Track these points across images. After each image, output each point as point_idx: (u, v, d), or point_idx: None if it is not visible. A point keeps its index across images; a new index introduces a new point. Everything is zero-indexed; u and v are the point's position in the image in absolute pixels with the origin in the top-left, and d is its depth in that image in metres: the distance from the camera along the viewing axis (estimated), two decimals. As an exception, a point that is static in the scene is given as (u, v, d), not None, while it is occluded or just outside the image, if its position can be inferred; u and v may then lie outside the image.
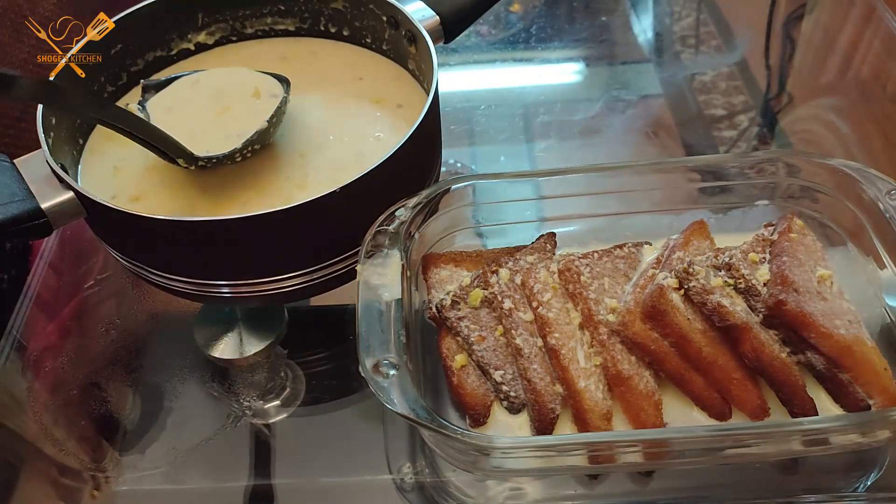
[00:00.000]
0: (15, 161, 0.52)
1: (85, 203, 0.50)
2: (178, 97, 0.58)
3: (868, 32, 0.90)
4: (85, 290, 0.68)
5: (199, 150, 0.54)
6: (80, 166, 0.60)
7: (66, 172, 0.51)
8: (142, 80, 0.59)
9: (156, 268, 0.53)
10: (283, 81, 0.59)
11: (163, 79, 0.59)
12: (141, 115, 0.56)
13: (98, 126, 0.62)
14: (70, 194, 0.50)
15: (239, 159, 0.56)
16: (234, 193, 0.56)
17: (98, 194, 0.50)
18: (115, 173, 0.59)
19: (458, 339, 0.51)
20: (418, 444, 0.54)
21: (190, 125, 0.55)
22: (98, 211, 0.50)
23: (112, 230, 0.54)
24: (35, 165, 0.51)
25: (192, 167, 0.55)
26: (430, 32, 0.60)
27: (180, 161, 0.54)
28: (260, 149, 0.57)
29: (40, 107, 0.53)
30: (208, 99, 0.59)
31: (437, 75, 0.56)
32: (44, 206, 0.50)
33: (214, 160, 0.55)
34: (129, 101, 0.64)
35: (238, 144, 0.55)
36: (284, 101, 0.57)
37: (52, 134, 0.54)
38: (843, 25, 0.94)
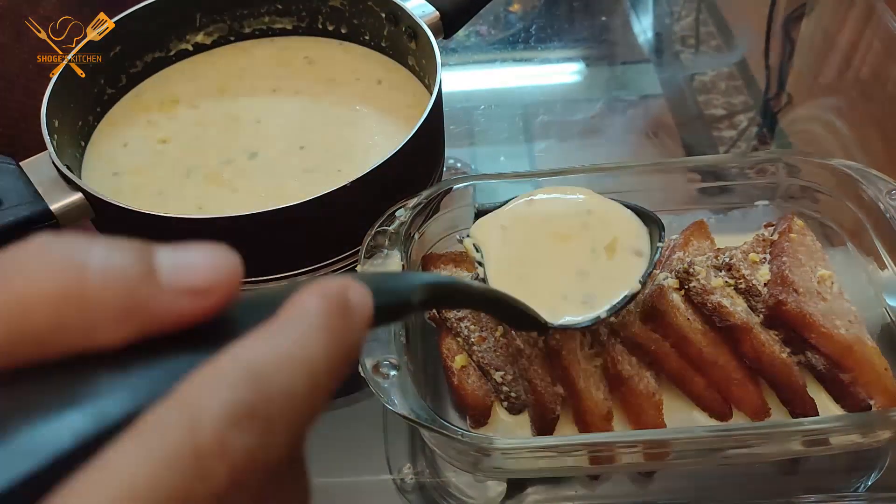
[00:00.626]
0: (21, 163, 0.52)
1: (94, 203, 0.50)
2: (514, 235, 0.47)
3: (868, 32, 0.90)
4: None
5: (548, 314, 0.42)
6: (82, 169, 0.60)
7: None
8: (476, 205, 0.50)
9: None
10: (655, 224, 0.47)
11: (498, 202, 0.50)
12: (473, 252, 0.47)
13: (99, 127, 0.62)
14: (78, 195, 0.50)
15: (595, 327, 0.45)
16: (234, 194, 0.56)
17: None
18: (117, 175, 0.59)
19: (459, 339, 0.51)
20: (418, 444, 0.54)
21: (529, 280, 0.44)
22: (107, 211, 0.50)
23: (120, 230, 0.54)
24: (41, 167, 0.51)
25: (540, 338, 0.45)
26: (431, 28, 0.60)
27: (534, 333, 0.45)
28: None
29: (44, 108, 0.53)
30: (551, 240, 0.47)
31: (441, 71, 0.56)
32: (52, 207, 0.49)
33: (570, 329, 0.44)
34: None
35: (600, 312, 0.44)
36: (655, 258, 0.45)
37: (55, 136, 0.54)
38: (843, 25, 0.93)
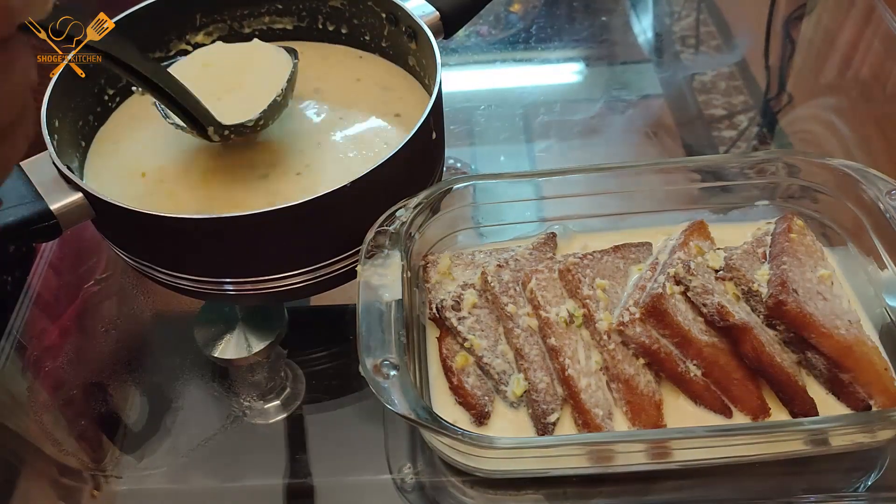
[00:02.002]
0: (21, 163, 0.52)
1: (94, 203, 0.50)
2: (188, 76, 0.56)
3: (868, 32, 0.90)
4: (85, 290, 0.68)
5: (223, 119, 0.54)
6: (84, 171, 0.60)
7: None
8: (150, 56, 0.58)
9: (163, 266, 0.53)
10: (291, 52, 0.59)
11: (168, 62, 0.59)
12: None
13: (101, 130, 0.62)
14: (79, 195, 0.50)
15: (259, 128, 0.56)
16: (233, 195, 0.56)
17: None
18: (119, 179, 0.59)
19: (458, 339, 0.51)
20: (418, 444, 0.54)
21: (208, 100, 0.54)
22: (107, 211, 0.50)
23: (120, 230, 0.54)
24: (41, 167, 0.51)
25: (218, 137, 0.55)
26: (431, 28, 0.60)
27: (209, 130, 0.54)
28: (273, 123, 0.58)
29: (44, 108, 0.53)
30: (217, 75, 0.58)
31: (441, 71, 0.56)
32: (52, 207, 0.49)
33: (240, 128, 0.55)
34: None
35: (258, 112, 0.55)
36: (295, 68, 0.58)
37: (55, 136, 0.54)
38: (843, 25, 0.94)
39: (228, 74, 0.59)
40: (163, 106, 0.54)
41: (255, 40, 0.62)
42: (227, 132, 0.54)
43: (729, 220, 0.58)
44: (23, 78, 0.32)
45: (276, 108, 0.56)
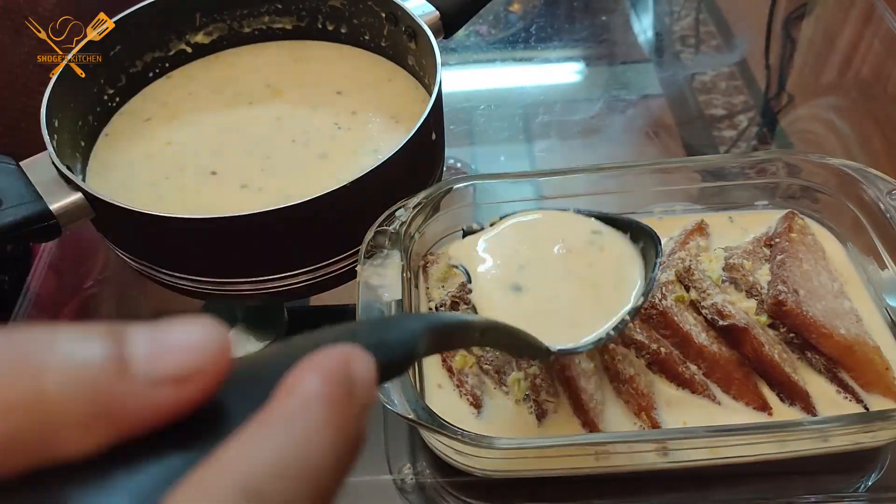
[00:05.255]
0: (21, 163, 0.52)
1: (94, 203, 0.50)
2: (506, 256, 0.46)
3: (868, 32, 0.90)
4: (85, 290, 0.68)
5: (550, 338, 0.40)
6: (87, 171, 0.60)
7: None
8: (463, 227, 0.51)
9: (163, 266, 0.53)
10: (651, 238, 0.46)
11: (488, 224, 0.50)
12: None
13: (102, 134, 0.62)
14: (78, 195, 0.50)
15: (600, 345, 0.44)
16: (234, 195, 0.56)
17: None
18: (120, 179, 0.59)
19: (459, 339, 0.51)
20: (418, 444, 0.54)
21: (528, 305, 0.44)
22: (107, 211, 0.50)
23: (120, 230, 0.54)
24: (41, 167, 0.51)
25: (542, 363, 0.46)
26: (431, 27, 0.60)
27: (533, 363, 0.46)
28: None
29: (44, 108, 0.53)
30: (547, 263, 0.47)
31: (441, 71, 0.56)
32: (52, 207, 0.49)
33: (573, 353, 0.43)
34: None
35: (599, 335, 0.43)
36: (656, 272, 0.44)
37: (55, 136, 0.54)
38: (843, 25, 0.93)
39: (566, 264, 0.46)
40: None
41: (611, 231, 0.48)
42: (552, 357, 0.41)
43: (729, 220, 0.58)
44: None
45: (623, 326, 0.43)
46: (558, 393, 0.48)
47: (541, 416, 0.48)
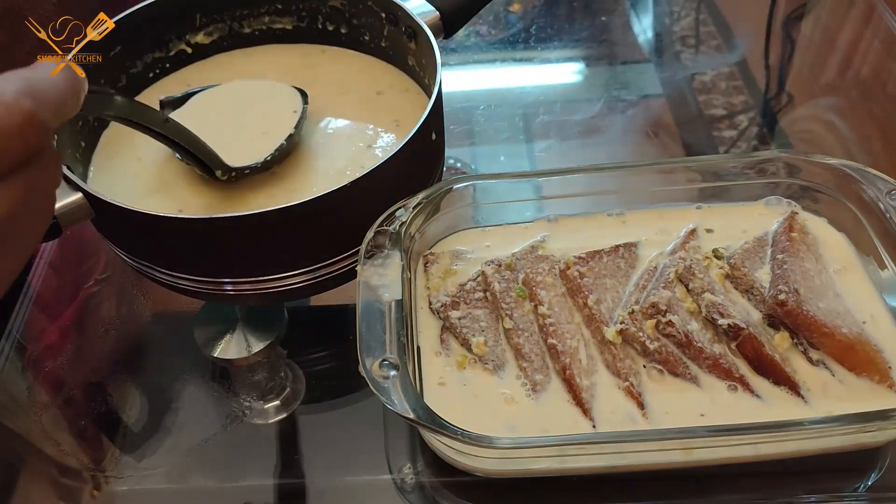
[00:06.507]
0: None
1: (94, 203, 0.50)
2: (198, 113, 0.59)
3: (868, 32, 0.90)
4: (85, 290, 0.68)
5: (231, 162, 0.56)
6: (89, 171, 0.60)
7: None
8: (160, 98, 0.60)
9: (163, 266, 0.53)
10: (302, 94, 0.61)
11: (180, 94, 0.60)
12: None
13: (103, 134, 0.62)
14: (78, 195, 0.50)
15: (264, 170, 0.57)
16: (234, 196, 0.56)
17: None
18: (120, 179, 0.59)
19: (458, 338, 0.51)
20: (418, 444, 0.54)
21: (215, 139, 0.55)
22: (107, 211, 0.50)
23: (120, 230, 0.54)
24: None
25: (226, 178, 0.56)
26: (431, 27, 0.60)
27: (218, 173, 0.55)
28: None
29: None
30: (229, 113, 0.60)
31: (441, 72, 0.56)
32: None
33: (247, 170, 0.56)
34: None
35: (265, 156, 0.57)
36: (304, 114, 0.59)
37: (55, 136, 0.54)
38: (843, 25, 0.94)
39: (241, 111, 0.60)
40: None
41: (269, 80, 0.63)
42: (234, 174, 0.56)
43: (729, 220, 0.58)
44: (52, 190, 0.34)
45: (283, 151, 0.58)
46: (547, 367, 0.49)
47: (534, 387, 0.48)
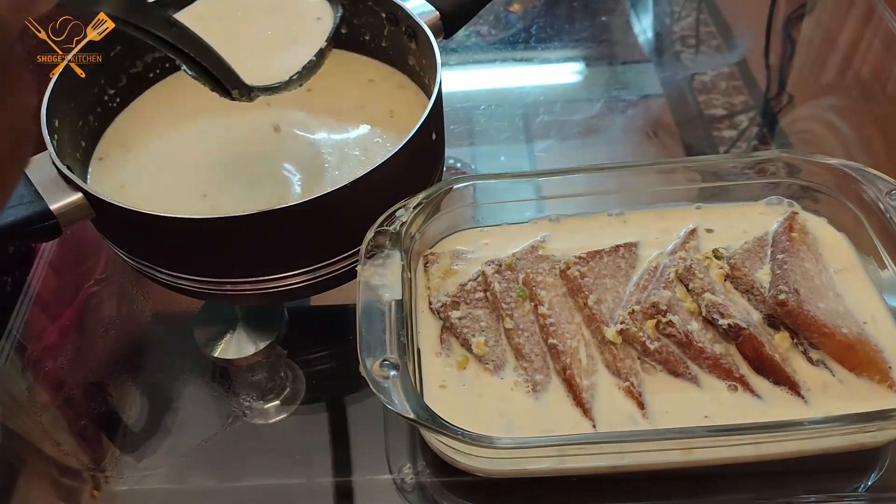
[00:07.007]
0: None
1: (94, 203, 0.50)
2: (210, 15, 0.50)
3: (868, 32, 0.90)
4: (85, 290, 0.68)
5: (247, 78, 0.49)
6: (89, 171, 0.60)
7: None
8: None
9: (163, 266, 0.54)
10: (334, 1, 0.53)
11: None
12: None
13: (103, 137, 0.62)
14: (79, 195, 0.50)
15: (288, 89, 0.51)
16: (234, 196, 0.56)
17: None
18: (121, 179, 0.59)
19: (458, 338, 0.51)
20: (418, 444, 0.54)
21: (230, 50, 0.47)
22: (107, 211, 0.50)
23: (120, 230, 0.54)
24: (41, 167, 0.51)
25: (244, 100, 0.49)
26: (431, 28, 0.60)
27: (235, 93, 0.49)
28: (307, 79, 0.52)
29: (44, 108, 0.53)
30: (240, 21, 0.52)
31: (441, 71, 0.56)
32: (52, 207, 0.49)
33: (270, 90, 0.49)
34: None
35: (290, 75, 0.50)
36: (338, 21, 0.52)
37: (55, 136, 0.54)
38: (843, 25, 0.94)
39: (254, 19, 0.52)
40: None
41: None
42: (252, 94, 0.49)
43: (729, 220, 0.58)
44: (22, 106, 0.30)
45: (311, 70, 0.51)
46: (548, 367, 0.49)
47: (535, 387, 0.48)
